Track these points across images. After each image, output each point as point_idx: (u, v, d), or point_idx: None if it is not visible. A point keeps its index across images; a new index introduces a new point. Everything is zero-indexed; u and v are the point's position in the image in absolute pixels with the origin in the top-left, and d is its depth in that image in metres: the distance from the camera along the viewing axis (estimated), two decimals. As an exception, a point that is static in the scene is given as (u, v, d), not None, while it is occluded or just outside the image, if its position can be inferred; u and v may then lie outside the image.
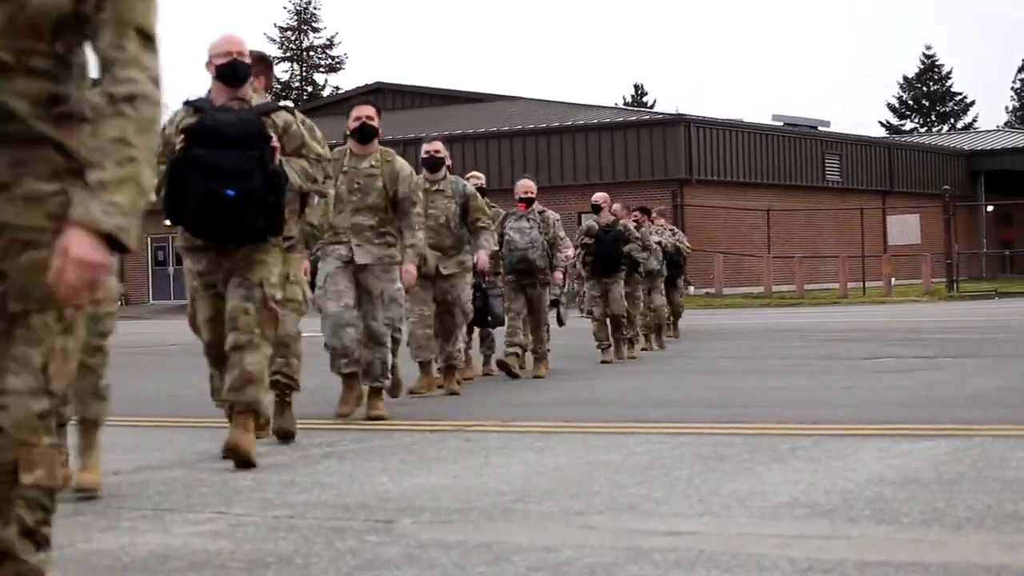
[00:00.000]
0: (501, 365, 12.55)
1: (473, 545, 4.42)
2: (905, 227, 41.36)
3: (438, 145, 10.96)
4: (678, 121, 42.41)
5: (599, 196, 15.30)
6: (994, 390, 9.75)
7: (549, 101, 48.38)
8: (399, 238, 9.02)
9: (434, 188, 10.72)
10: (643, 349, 16.27)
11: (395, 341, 9.82)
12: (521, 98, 49.48)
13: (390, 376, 9.05)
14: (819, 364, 13.20)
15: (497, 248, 11.93)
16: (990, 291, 38.09)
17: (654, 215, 18.32)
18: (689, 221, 39.35)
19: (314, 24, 71.94)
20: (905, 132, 78.34)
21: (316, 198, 7.37)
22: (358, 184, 8.95)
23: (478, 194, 11.00)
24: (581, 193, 39.79)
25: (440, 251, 10.69)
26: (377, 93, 49.02)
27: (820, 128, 50.36)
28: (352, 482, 5.93)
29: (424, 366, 10.82)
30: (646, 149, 41.69)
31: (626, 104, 77.52)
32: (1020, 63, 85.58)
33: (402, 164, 9.10)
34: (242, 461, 6.42)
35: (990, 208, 54.88)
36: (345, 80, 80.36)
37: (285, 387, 7.61)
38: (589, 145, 42.21)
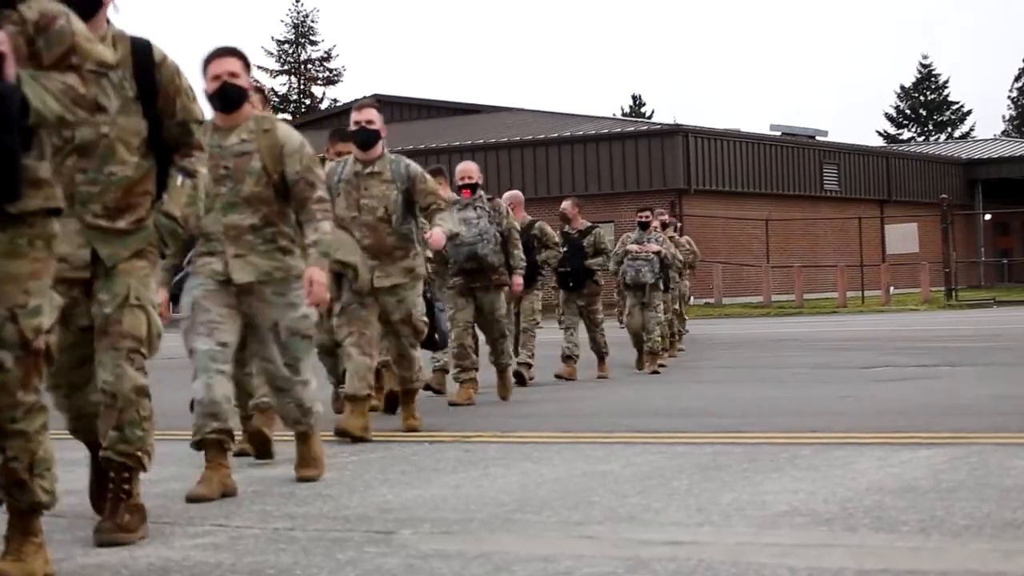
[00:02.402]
0: (452, 404, 10.60)
1: (473, 555, 4.42)
2: (903, 236, 41.38)
3: (371, 113, 8.53)
4: (676, 131, 42.44)
5: (567, 205, 14.52)
6: (992, 398, 9.75)
7: (547, 112, 48.42)
8: (301, 239, 6.43)
9: (367, 171, 8.43)
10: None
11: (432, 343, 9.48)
12: (519, 109, 49.50)
13: (314, 414, 6.53)
14: (818, 373, 13.21)
15: (457, 231, 9.63)
16: (988, 299, 38.10)
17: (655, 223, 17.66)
18: (688, 231, 39.25)
19: (312, 37, 72.00)
20: (903, 141, 78.40)
21: (180, 176, 5.13)
22: (226, 169, 6.30)
23: (426, 174, 8.64)
24: (579, 204, 39.81)
25: (378, 256, 8.36)
26: (375, 105, 49.05)
27: (818, 137, 50.40)
28: (352, 493, 5.93)
29: (357, 400, 8.17)
30: (644, 159, 41.70)
31: (624, 115, 77.58)
32: (1017, 72, 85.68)
33: (287, 133, 6.39)
34: None
35: (988, 217, 54.91)
36: (343, 92, 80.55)
37: (121, 469, 5.01)
38: (587, 156, 42.23)
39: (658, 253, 14.73)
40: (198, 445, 6.07)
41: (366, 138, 8.48)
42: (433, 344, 9.88)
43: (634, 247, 14.74)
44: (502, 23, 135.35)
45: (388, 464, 6.97)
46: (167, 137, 5.15)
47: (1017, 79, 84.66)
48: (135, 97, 5.04)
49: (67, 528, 5.14)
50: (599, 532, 4.82)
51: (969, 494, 5.34)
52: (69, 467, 6.47)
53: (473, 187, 10.82)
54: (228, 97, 6.30)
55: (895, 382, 11.67)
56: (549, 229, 13.59)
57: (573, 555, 4.38)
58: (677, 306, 17.25)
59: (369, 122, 8.42)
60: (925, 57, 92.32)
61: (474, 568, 4.24)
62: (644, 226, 14.99)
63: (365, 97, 8.97)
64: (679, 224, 19.51)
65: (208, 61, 6.30)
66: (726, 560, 4.21)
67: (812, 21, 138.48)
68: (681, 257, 17.18)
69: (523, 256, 11.36)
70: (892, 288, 39.14)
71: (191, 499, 5.85)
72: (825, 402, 9.99)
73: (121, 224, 4.99)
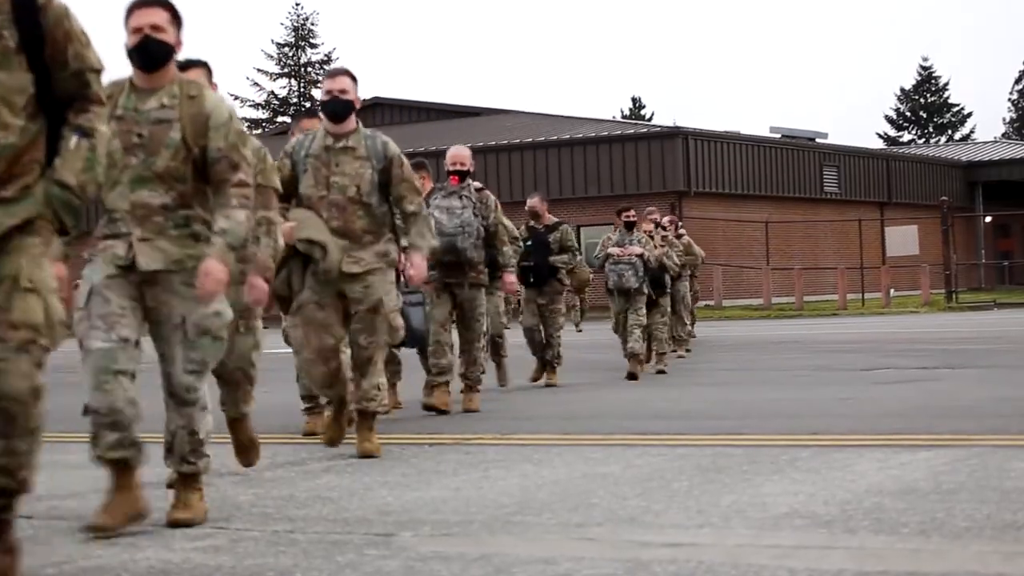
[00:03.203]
0: (427, 407, 10.01)
1: (473, 558, 4.42)
2: (903, 238, 41.40)
3: (345, 82, 7.53)
4: (676, 134, 42.45)
5: (535, 201, 13.76)
6: (993, 400, 9.75)
7: (547, 115, 48.45)
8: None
9: (339, 145, 7.51)
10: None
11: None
12: (519, 112, 49.54)
13: (205, 456, 5.41)
14: (818, 375, 13.21)
15: (436, 243, 8.42)
16: (989, 302, 38.10)
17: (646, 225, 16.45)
18: (688, 233, 39.31)
19: (312, 40, 72.03)
20: (903, 143, 78.43)
21: (74, 136, 4.35)
22: (139, 137, 5.31)
23: (405, 160, 7.64)
24: (579, 206, 39.88)
25: (348, 237, 7.41)
26: (375, 108, 49.05)
27: (818, 140, 50.40)
28: (352, 496, 5.93)
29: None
30: (644, 162, 41.72)
31: (624, 117, 77.61)
32: (1017, 74, 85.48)
33: (216, 103, 5.38)
34: None
35: (988, 219, 54.91)
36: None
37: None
38: (587, 158, 42.24)
39: (641, 256, 13.89)
40: (99, 460, 5.12)
41: (338, 109, 7.52)
42: (404, 341, 8.89)
43: (615, 250, 13.94)
44: (502, 26, 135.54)
45: (388, 467, 6.97)
46: (59, 91, 4.34)
47: (1017, 81, 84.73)
48: (17, 48, 4.24)
49: (67, 531, 5.13)
50: (599, 534, 4.82)
51: (969, 496, 5.34)
52: (71, 469, 6.49)
53: (463, 175, 10.14)
54: (149, 53, 5.27)
55: (895, 384, 11.67)
56: (571, 233, 13.46)
57: (573, 557, 4.38)
58: (672, 309, 16.05)
59: (342, 91, 7.46)
60: (925, 59, 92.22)
61: (474, 570, 4.24)
62: (630, 226, 14.13)
63: (339, 66, 8.08)
64: (679, 224, 19.13)
65: (130, 12, 5.32)
66: (726, 562, 4.21)
67: (812, 23, 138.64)
68: (677, 259, 16.25)
69: (513, 253, 10.78)
70: (892, 290, 39.13)
71: (89, 529, 5.00)
72: (825, 404, 9.98)
73: (5, 193, 4.21)
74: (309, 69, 71.96)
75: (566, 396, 11.76)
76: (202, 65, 6.48)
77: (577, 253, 13.67)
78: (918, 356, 15.56)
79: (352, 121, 7.58)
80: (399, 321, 7.62)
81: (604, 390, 12.46)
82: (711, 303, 37.84)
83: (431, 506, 5.54)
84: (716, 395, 11.35)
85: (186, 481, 5.35)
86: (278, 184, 6.78)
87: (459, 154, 10.29)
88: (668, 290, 15.14)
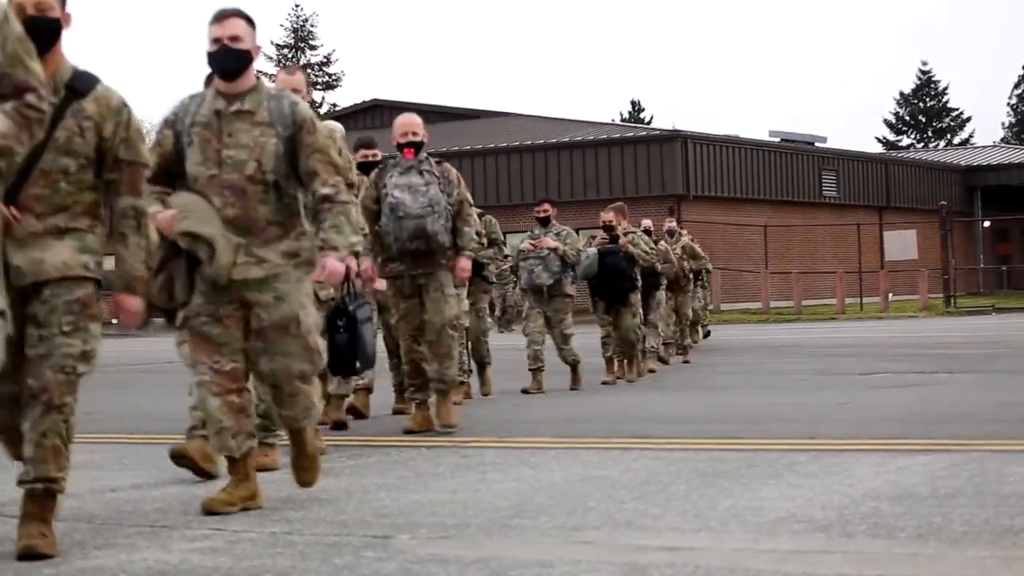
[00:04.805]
0: (408, 432, 8.63)
1: (470, 560, 4.43)
2: (902, 243, 41.42)
3: (238, 26, 5.71)
4: (675, 137, 42.47)
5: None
6: (991, 405, 9.76)
7: (546, 117, 48.43)
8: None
9: (233, 109, 5.71)
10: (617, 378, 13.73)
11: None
12: (518, 114, 49.53)
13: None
14: (816, 380, 13.21)
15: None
16: (987, 306, 38.10)
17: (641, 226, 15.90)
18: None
19: (311, 41, 72.03)
20: (902, 148, 78.47)
21: None
22: None
23: (318, 124, 5.87)
24: (578, 209, 39.85)
25: (248, 230, 5.64)
26: (375, 110, 49.13)
27: (817, 144, 50.45)
28: (349, 498, 5.93)
29: (233, 462, 5.69)
30: (643, 165, 41.74)
31: (623, 120, 77.60)
32: (1016, 79, 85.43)
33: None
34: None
35: (987, 223, 54.94)
36: (343, 97, 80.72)
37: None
38: (586, 161, 42.27)
39: (555, 249, 12.52)
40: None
41: (229, 62, 5.73)
42: (349, 367, 6.85)
43: (527, 244, 12.72)
44: (502, 28, 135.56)
45: (386, 469, 6.98)
46: None
47: (1017, 86, 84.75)
48: None
49: (66, 532, 5.13)
50: (596, 538, 4.82)
51: (967, 501, 5.34)
52: (72, 470, 6.46)
53: (418, 146, 8.66)
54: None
55: (893, 389, 11.67)
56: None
57: (570, 560, 4.38)
58: (649, 315, 14.96)
59: (234, 39, 5.71)
60: (924, 63, 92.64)
61: (471, 573, 4.24)
62: (544, 222, 12.90)
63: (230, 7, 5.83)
64: (670, 226, 18.52)
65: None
66: (723, 566, 4.21)
67: (812, 27, 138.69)
68: (646, 248, 14.33)
69: (475, 237, 9.10)
70: (891, 295, 39.16)
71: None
72: (823, 409, 9.99)
73: None
74: (308, 71, 71.95)
75: (563, 400, 11.76)
76: None
77: (503, 246, 12.77)
78: (916, 360, 15.57)
79: (250, 77, 5.78)
80: (316, 340, 5.76)
81: (601, 394, 12.45)
82: (709, 307, 37.87)
83: (428, 509, 5.55)
84: (714, 399, 11.35)
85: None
86: (147, 157, 5.15)
87: (410, 122, 8.76)
88: (639, 286, 13.75)
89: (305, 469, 5.97)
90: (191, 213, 5.59)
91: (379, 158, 9.28)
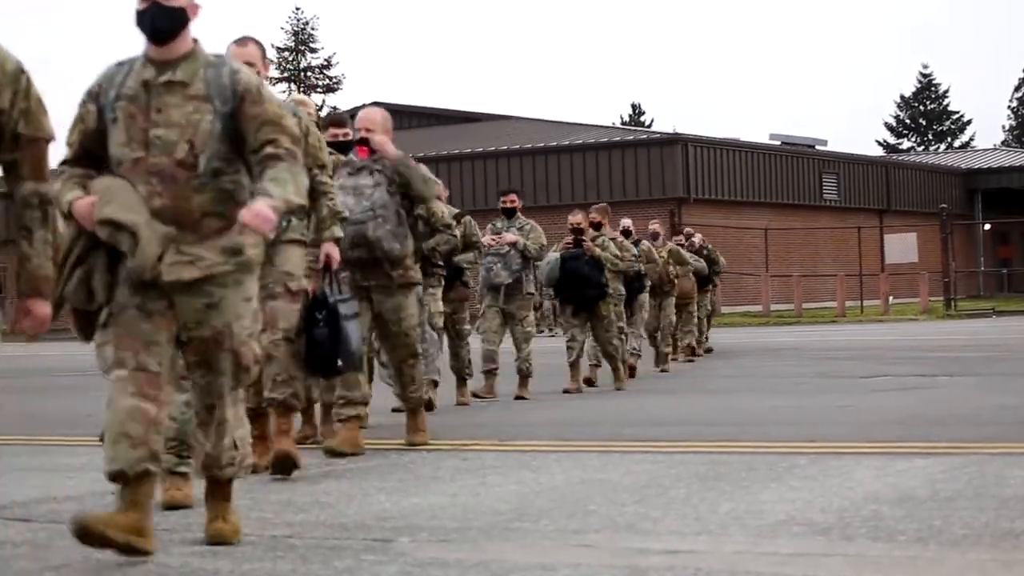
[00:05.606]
0: (331, 453, 7.51)
1: (471, 564, 4.43)
2: (903, 246, 41.42)
3: None
4: (676, 140, 42.48)
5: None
6: (991, 408, 9.76)
7: (546, 121, 48.48)
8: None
9: (163, 79, 4.83)
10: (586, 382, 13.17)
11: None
12: (518, 118, 49.57)
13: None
14: (816, 383, 13.21)
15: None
16: (988, 309, 38.10)
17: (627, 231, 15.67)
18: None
19: (312, 44, 72.05)
20: (902, 151, 78.48)
21: None
22: None
23: (264, 92, 4.89)
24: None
25: (179, 222, 4.76)
26: (375, 113, 49.13)
27: (817, 147, 50.48)
28: (350, 501, 5.93)
29: (125, 482, 4.69)
30: (644, 168, 41.74)
31: (623, 123, 77.60)
32: (1017, 82, 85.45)
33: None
34: None
35: (987, 226, 54.93)
36: (343, 100, 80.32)
37: None
38: (587, 165, 42.27)
39: (515, 244, 11.88)
40: None
41: (160, 22, 4.84)
42: (332, 368, 6.72)
43: (488, 239, 11.93)
44: (502, 31, 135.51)
45: (386, 472, 6.98)
46: None
47: (1017, 89, 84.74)
48: None
49: (66, 534, 5.13)
50: (597, 541, 4.82)
51: (967, 503, 5.34)
52: (73, 472, 6.48)
53: (369, 144, 7.84)
54: None
55: (893, 392, 11.67)
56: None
57: (571, 563, 4.38)
58: (632, 318, 14.60)
59: None
60: (925, 67, 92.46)
61: (472, 576, 4.24)
62: (509, 213, 12.22)
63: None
64: (654, 229, 17.73)
65: None
66: (724, 569, 4.22)
67: (812, 30, 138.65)
68: (617, 251, 13.39)
69: (444, 242, 8.83)
70: (891, 298, 39.15)
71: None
72: (823, 411, 9.99)
73: None
74: (309, 74, 71.99)
75: (564, 403, 11.76)
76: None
77: (483, 250, 11.86)
78: (916, 364, 15.57)
79: (185, 41, 4.89)
80: (249, 356, 4.88)
81: (602, 397, 12.45)
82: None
83: (429, 512, 5.55)
84: (714, 402, 11.35)
85: None
86: (51, 131, 4.49)
87: (368, 118, 7.97)
88: (608, 292, 12.82)
89: (220, 518, 4.93)
90: (114, 198, 4.73)
91: (351, 137, 8.41)
